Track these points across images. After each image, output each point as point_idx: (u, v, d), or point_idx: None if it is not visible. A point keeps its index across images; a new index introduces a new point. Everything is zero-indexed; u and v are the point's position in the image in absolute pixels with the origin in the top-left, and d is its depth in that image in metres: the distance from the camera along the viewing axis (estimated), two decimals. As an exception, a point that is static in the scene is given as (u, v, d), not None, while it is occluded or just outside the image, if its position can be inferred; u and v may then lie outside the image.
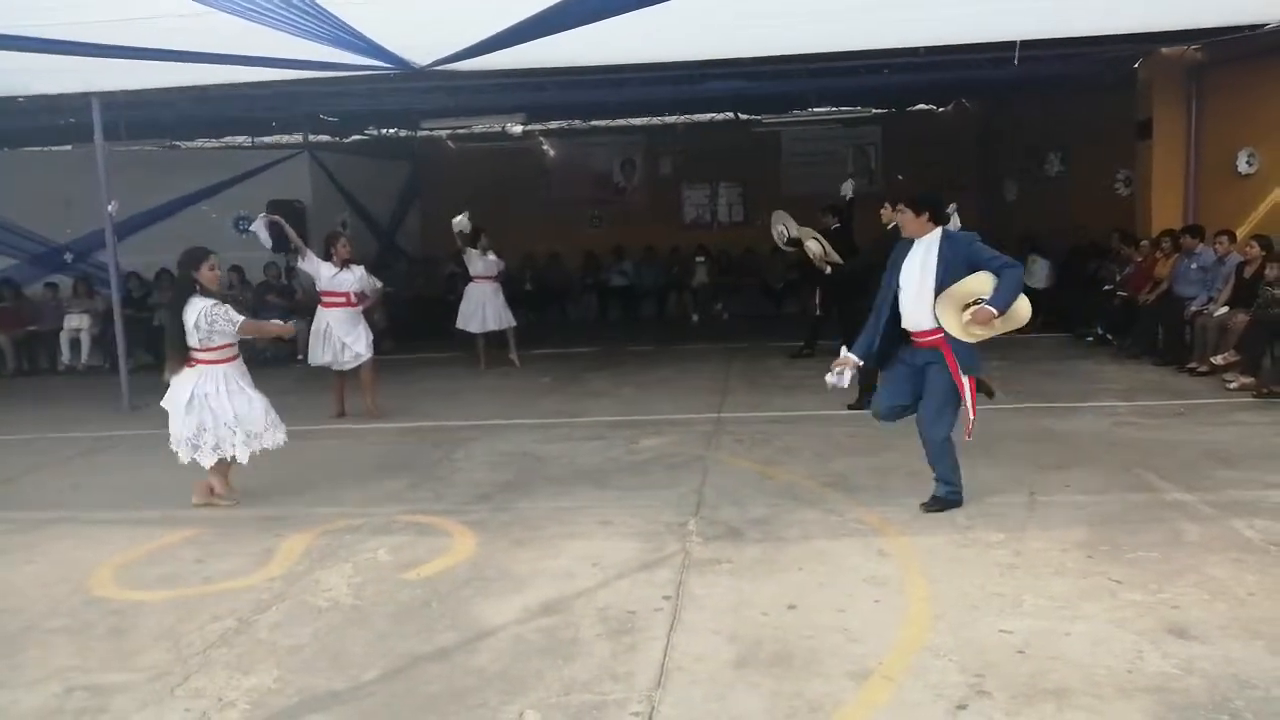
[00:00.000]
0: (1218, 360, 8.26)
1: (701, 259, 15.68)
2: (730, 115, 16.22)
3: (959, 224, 6.56)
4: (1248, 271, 8.65)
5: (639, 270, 16.23)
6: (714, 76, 10.66)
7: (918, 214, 4.98)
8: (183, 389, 5.50)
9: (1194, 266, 9.34)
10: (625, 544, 4.79)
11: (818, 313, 10.37)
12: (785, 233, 9.21)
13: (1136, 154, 11.48)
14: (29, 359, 12.48)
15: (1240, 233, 9.46)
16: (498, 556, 4.71)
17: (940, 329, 4.88)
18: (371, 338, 8.19)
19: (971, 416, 5.01)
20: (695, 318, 15.06)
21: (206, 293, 5.49)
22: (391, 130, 16.36)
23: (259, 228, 7.74)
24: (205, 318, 5.40)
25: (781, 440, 6.85)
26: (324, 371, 8.29)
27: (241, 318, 5.56)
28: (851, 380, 5.13)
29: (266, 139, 15.78)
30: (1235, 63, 10.01)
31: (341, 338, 7.96)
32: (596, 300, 16.04)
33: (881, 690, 3.24)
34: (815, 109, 15.56)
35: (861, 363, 5.12)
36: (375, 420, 8.09)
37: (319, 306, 8.11)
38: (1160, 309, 9.58)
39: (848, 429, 6.89)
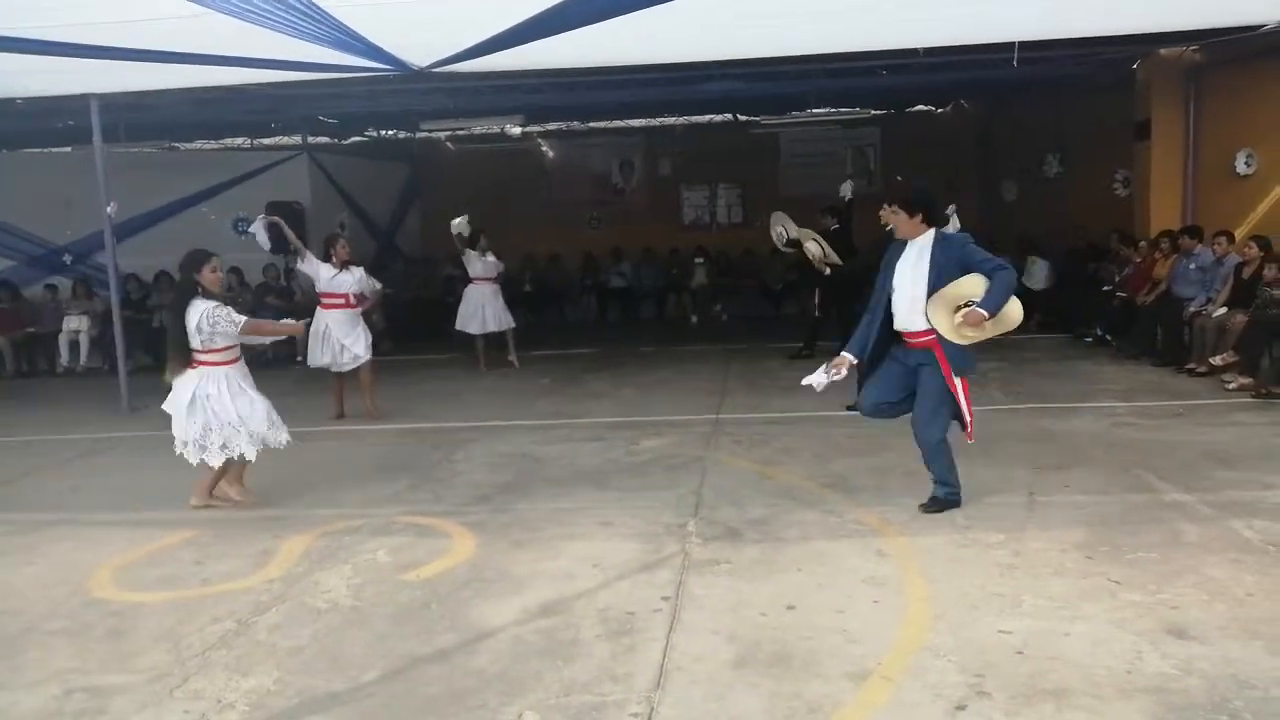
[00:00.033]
0: (1216, 361, 8.26)
1: (700, 260, 15.69)
2: (729, 116, 16.26)
3: (959, 225, 6.53)
4: (1246, 272, 8.66)
5: (638, 271, 16.23)
6: (713, 78, 10.65)
7: (911, 215, 4.94)
8: (184, 391, 5.51)
9: (1193, 267, 9.35)
10: (624, 545, 4.80)
11: (817, 314, 10.38)
12: (784, 234, 9.22)
13: (1135, 155, 11.49)
14: (28, 361, 12.45)
15: (1239, 233, 9.47)
16: (497, 558, 4.71)
17: (932, 330, 4.87)
18: (370, 339, 8.19)
19: (968, 417, 5.01)
20: (694, 319, 15.05)
21: (208, 295, 5.50)
22: (390, 132, 16.39)
23: (258, 229, 7.73)
24: (207, 320, 5.41)
25: (780, 441, 6.86)
26: (323, 373, 8.29)
27: (243, 318, 5.57)
28: (832, 380, 4.99)
29: (266, 140, 15.81)
30: (1233, 64, 10.03)
31: (340, 339, 7.96)
32: (595, 301, 16.03)
33: (880, 691, 3.25)
34: (814, 110, 15.55)
35: (856, 361, 5.11)
36: (374, 422, 8.08)
37: (318, 308, 8.10)
38: (1159, 310, 9.59)
39: (846, 430, 6.89)
